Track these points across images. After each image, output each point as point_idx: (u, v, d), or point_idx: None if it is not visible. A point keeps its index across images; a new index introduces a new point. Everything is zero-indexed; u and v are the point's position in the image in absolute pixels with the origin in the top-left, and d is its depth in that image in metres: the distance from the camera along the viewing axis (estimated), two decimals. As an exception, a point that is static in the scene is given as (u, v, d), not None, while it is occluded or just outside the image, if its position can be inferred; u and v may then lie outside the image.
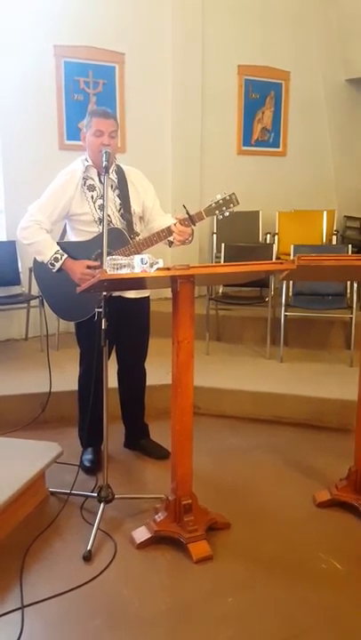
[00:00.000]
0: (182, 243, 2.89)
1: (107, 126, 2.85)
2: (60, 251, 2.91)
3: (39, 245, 2.92)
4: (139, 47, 5.27)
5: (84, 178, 2.96)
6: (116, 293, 2.89)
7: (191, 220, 2.83)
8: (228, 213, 2.88)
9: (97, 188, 2.95)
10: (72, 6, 4.89)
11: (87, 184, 2.96)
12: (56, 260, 2.90)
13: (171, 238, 2.87)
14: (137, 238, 2.95)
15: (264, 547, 2.55)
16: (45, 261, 2.92)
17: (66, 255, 2.90)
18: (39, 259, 2.96)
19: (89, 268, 2.86)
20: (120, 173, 3.01)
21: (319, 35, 6.18)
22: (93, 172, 2.96)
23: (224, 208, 2.86)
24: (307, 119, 6.31)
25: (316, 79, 6.29)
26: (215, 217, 2.91)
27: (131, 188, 3.01)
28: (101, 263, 2.71)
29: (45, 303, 3.13)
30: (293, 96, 6.22)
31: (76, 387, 3.23)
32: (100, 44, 5.08)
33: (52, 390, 3.41)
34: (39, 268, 3.02)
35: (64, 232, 3.14)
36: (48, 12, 4.80)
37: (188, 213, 2.82)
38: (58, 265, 2.90)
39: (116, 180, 2.99)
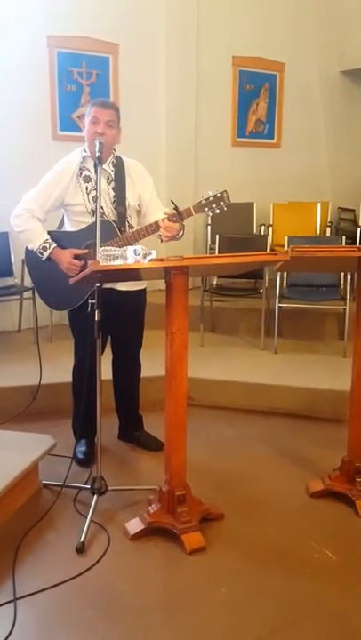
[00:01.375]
0: (171, 238, 2.84)
1: (103, 115, 2.83)
2: (50, 240, 2.92)
3: (29, 233, 2.93)
4: (133, 38, 5.23)
5: (80, 168, 2.94)
6: (106, 286, 2.87)
7: (179, 215, 2.78)
8: (218, 211, 2.82)
9: (92, 180, 2.93)
10: (65, -5, 4.84)
11: (83, 175, 2.94)
12: (44, 248, 2.90)
13: (159, 233, 2.84)
14: (128, 231, 2.93)
15: (258, 537, 2.56)
16: (35, 249, 2.93)
17: (55, 244, 2.91)
18: (29, 247, 2.98)
19: (76, 257, 2.86)
20: (118, 165, 2.98)
21: (314, 26, 6.15)
22: (90, 163, 2.94)
23: (214, 205, 2.80)
24: (301, 111, 6.29)
25: (311, 71, 6.27)
26: (205, 214, 2.86)
27: (128, 180, 2.99)
28: (94, 254, 2.69)
29: (36, 292, 3.12)
30: (288, 87, 6.21)
31: (69, 378, 3.22)
32: (93, 34, 5.03)
33: (46, 382, 3.39)
34: (30, 257, 3.03)
35: (62, 222, 3.14)
36: (41, 1, 4.75)
37: (176, 209, 2.78)
38: (46, 254, 2.91)
39: (112, 173, 2.96)
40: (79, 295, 2.82)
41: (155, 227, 2.81)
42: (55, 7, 4.82)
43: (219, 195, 2.81)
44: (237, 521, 2.67)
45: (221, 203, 2.81)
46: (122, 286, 3.00)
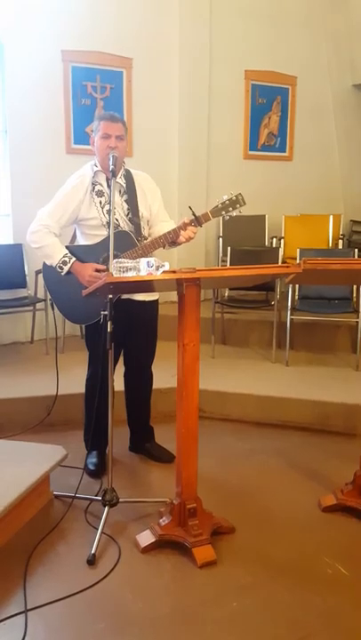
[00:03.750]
0: (187, 240, 2.88)
1: (114, 129, 2.87)
2: (69, 254, 2.93)
3: (48, 249, 2.94)
4: (146, 52, 5.29)
5: (92, 183, 2.97)
6: (125, 296, 2.89)
7: (197, 220, 2.83)
8: (235, 214, 2.87)
9: (105, 194, 2.96)
10: (80, 11, 4.92)
11: (96, 189, 2.97)
12: (64, 263, 2.91)
13: (181, 238, 2.86)
14: (144, 241, 2.96)
15: (269, 551, 2.54)
16: (54, 265, 2.94)
17: (74, 258, 2.92)
18: (48, 262, 2.98)
19: (97, 271, 2.87)
20: (129, 178, 3.02)
21: (326, 40, 6.19)
22: (102, 178, 2.97)
23: (230, 208, 2.85)
24: (313, 124, 6.31)
25: (323, 84, 6.30)
26: (222, 217, 2.91)
27: (139, 192, 3.02)
28: (107, 267, 2.71)
29: (55, 307, 3.12)
30: (300, 101, 6.23)
31: (81, 389, 3.23)
32: (107, 49, 5.10)
33: (58, 393, 3.40)
34: (48, 272, 3.04)
35: (74, 236, 3.16)
36: (56, 17, 4.83)
37: (193, 214, 2.83)
38: (66, 268, 2.92)
39: (124, 185, 2.99)
40: (99, 308, 2.82)
41: (173, 234, 2.84)
42: (70, 22, 4.89)
43: (234, 198, 2.85)
44: (249, 535, 2.65)
45: (237, 205, 2.85)
46: (140, 296, 3.02)
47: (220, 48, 5.62)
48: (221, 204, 2.86)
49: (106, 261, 2.90)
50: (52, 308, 3.08)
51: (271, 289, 4.76)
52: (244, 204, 2.86)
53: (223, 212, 2.86)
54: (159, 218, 3.08)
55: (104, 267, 2.87)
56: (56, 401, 3.49)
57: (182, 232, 2.84)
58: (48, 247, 2.94)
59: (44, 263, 3.02)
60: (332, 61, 6.27)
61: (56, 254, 2.93)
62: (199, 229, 2.89)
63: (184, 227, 2.84)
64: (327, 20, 6.13)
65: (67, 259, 2.92)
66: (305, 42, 6.09)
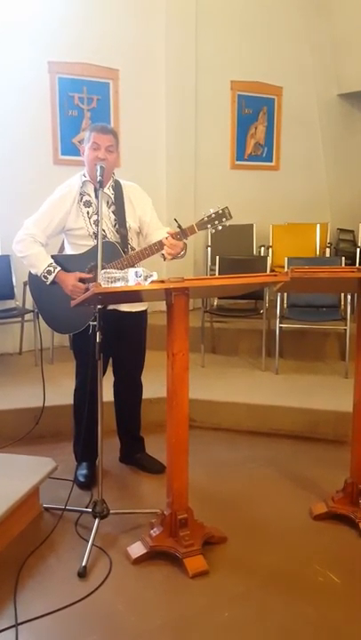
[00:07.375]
0: (174, 256, 2.86)
1: (103, 140, 2.88)
2: (53, 263, 2.93)
3: (33, 258, 2.94)
4: (133, 63, 5.33)
5: (80, 193, 2.97)
6: (110, 307, 2.89)
7: (183, 233, 2.81)
8: (220, 227, 2.85)
9: (93, 204, 2.97)
10: (67, 23, 4.94)
11: (83, 200, 2.97)
12: (49, 272, 2.91)
13: (163, 252, 2.87)
14: (130, 252, 2.96)
15: (261, 560, 2.53)
16: (39, 274, 2.94)
17: (59, 268, 2.92)
18: (33, 271, 2.98)
19: (81, 280, 2.87)
20: (117, 189, 3.02)
21: (311, 50, 6.27)
22: (90, 188, 2.98)
23: (216, 222, 2.84)
24: (300, 134, 6.38)
25: (309, 94, 6.36)
26: (208, 230, 2.91)
27: (127, 203, 3.02)
28: (95, 277, 2.71)
29: (40, 316, 3.13)
30: (286, 111, 6.30)
31: (71, 401, 3.22)
32: (94, 60, 5.13)
33: (47, 405, 3.38)
34: (34, 281, 3.04)
35: (62, 246, 3.16)
36: (43, 28, 4.85)
37: (179, 227, 2.82)
38: (51, 277, 2.92)
39: (112, 196, 3.00)
40: (84, 318, 2.83)
41: (159, 245, 2.84)
42: (57, 34, 4.91)
43: (220, 211, 2.84)
44: (240, 544, 2.64)
45: (223, 219, 2.84)
46: (125, 307, 3.02)
47: (206, 59, 5.67)
48: (208, 217, 2.84)
49: (92, 271, 2.90)
50: (38, 319, 3.08)
51: (260, 297, 4.78)
52: (231, 217, 2.85)
53: (209, 226, 2.84)
54: (153, 226, 3.07)
55: (88, 275, 2.88)
56: (44, 412, 3.46)
57: (166, 245, 2.81)
58: (33, 256, 2.94)
59: (30, 272, 3.02)
60: (318, 72, 6.35)
61: (41, 263, 2.93)
62: (187, 243, 2.88)
63: (169, 239, 2.83)
64: (312, 31, 6.21)
65: (51, 268, 2.92)
66: (290, 52, 6.16)
